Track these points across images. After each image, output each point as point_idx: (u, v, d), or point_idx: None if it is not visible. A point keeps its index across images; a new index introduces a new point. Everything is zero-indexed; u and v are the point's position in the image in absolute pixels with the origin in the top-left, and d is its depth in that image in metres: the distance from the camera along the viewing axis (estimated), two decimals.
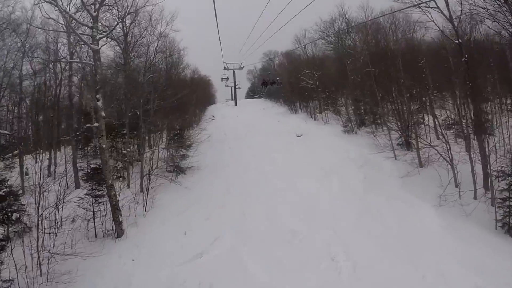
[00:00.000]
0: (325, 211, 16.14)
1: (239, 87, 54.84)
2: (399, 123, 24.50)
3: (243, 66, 49.81)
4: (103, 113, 15.61)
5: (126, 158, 21.48)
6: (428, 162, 20.19)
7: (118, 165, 22.42)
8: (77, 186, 21.30)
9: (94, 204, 16.09)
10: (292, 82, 45.70)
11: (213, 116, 46.66)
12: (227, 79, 51.58)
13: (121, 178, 22.15)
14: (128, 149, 21.70)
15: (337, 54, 40.69)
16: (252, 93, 64.29)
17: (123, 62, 27.55)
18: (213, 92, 58.27)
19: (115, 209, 15.66)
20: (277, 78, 23.95)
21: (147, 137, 28.11)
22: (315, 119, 37.90)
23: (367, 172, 20.66)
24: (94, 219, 15.92)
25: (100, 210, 16.09)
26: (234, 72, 49.29)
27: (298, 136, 30.82)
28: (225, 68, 47.00)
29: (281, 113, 44.55)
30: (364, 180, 19.64)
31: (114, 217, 15.69)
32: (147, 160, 22.90)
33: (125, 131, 22.71)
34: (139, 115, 20.68)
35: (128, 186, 20.95)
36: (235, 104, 50.69)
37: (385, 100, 29.36)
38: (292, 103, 44.94)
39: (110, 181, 15.59)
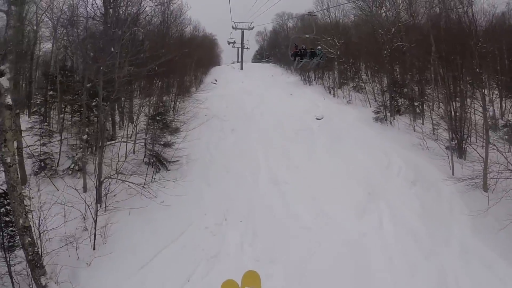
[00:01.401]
0: (382, 284, 9.10)
1: (247, 48, 46.25)
2: (451, 120, 17.51)
3: (253, 27, 41.25)
4: (8, 99, 7.93)
5: (80, 150, 13.96)
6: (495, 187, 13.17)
7: (76, 155, 14.99)
8: (23, 181, 13.85)
9: (7, 252, 8.88)
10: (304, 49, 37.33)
11: (216, 81, 38.64)
12: (234, 42, 43.14)
13: (79, 174, 14.85)
14: (86, 136, 14.02)
15: (366, 22, 32.06)
16: (259, 57, 55.02)
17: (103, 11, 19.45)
18: (218, 52, 49.42)
19: (34, 267, 8.50)
20: (319, 48, 14.71)
21: (126, 110, 20.55)
22: (334, 95, 30.02)
23: (423, 197, 13.72)
24: (10, 273, 8.79)
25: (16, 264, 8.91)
26: (242, 32, 40.62)
27: (318, 119, 23.25)
28: (233, 28, 38.59)
29: (293, 83, 36.53)
30: (422, 213, 12.54)
31: (34, 278, 8.59)
32: (117, 149, 15.56)
33: (95, 103, 15.09)
34: (99, 89, 12.82)
35: (84, 191, 13.70)
36: (241, 68, 42.36)
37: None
38: (306, 72, 36.85)
39: (21, 221, 8.25)
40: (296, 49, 14.27)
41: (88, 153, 14.41)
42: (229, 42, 43.16)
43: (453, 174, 15.23)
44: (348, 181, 14.24)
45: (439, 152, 16.66)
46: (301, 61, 14.15)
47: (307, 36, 14.04)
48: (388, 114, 23.06)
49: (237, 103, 27.50)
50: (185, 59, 27.59)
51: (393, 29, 25.55)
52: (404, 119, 21.97)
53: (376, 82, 28.29)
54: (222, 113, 24.65)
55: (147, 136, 15.64)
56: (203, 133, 20.12)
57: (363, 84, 29.13)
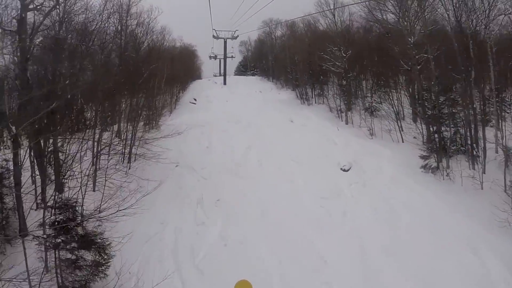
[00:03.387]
0: None
1: (232, 56, 37.46)
2: None
3: (237, 36, 32.56)
4: None
5: None
6: None
7: None
8: None
9: None
10: (300, 61, 29.04)
11: (195, 100, 29.92)
12: (215, 57, 34.46)
13: None
14: None
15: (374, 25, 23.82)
16: (243, 69, 45.83)
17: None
18: (199, 64, 40.12)
19: None
20: None
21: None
22: (347, 122, 21.70)
23: None
24: None
25: None
26: (225, 42, 31.81)
27: (344, 170, 14.98)
28: (214, 37, 29.81)
29: (287, 102, 28.11)
30: None
31: None
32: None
33: None
34: None
35: None
36: (224, 83, 33.56)
37: None
38: (301, 87, 28.55)
39: None
40: None
41: None
42: (210, 57, 34.46)
43: None
44: None
45: None
46: None
47: None
48: (436, 157, 14.95)
49: (222, 140, 18.84)
50: (151, 79, 18.87)
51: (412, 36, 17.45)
52: (459, 166, 14.01)
53: (393, 100, 20.17)
54: (201, 161, 15.99)
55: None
56: (167, 214, 11.50)
57: (381, 105, 21.07)
